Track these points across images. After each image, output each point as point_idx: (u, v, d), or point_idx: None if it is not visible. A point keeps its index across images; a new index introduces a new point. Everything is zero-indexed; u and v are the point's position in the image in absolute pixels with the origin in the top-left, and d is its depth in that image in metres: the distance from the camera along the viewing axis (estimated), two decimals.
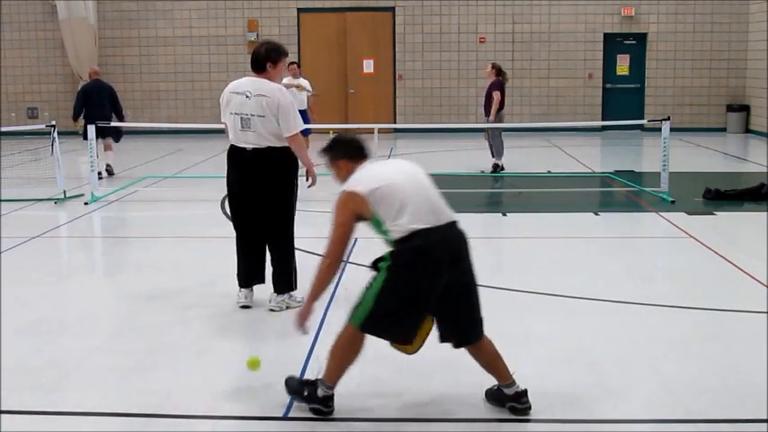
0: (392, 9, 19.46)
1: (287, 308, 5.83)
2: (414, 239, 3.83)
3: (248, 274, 5.97)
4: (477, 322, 4.08)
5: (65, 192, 10.61)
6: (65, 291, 6.74)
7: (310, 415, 4.09)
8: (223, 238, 8.18)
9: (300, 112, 13.19)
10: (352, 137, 4.35)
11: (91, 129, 10.83)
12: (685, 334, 5.42)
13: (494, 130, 12.93)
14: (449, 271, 3.88)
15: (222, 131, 6.03)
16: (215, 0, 19.52)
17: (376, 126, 11.92)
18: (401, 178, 3.99)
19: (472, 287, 4.05)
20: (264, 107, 5.62)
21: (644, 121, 15.60)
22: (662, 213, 9.40)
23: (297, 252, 6.01)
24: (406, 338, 3.97)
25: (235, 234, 6.01)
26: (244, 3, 19.53)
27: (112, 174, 12.91)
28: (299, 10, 19.53)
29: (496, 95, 12.70)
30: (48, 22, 19.74)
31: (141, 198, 11.13)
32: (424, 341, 4.10)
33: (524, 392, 4.08)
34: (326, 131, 18.43)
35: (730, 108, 19.26)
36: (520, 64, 19.30)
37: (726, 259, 7.25)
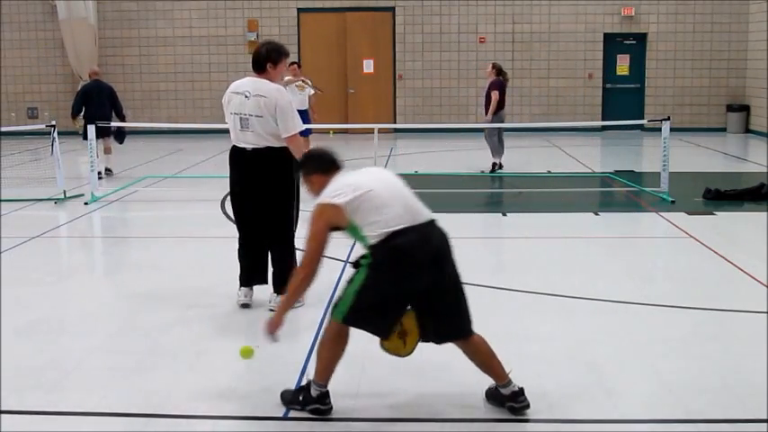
0: (392, 9, 19.46)
1: None
2: (392, 239, 3.86)
3: (249, 274, 5.98)
4: (463, 320, 4.08)
5: (65, 192, 10.62)
6: (65, 291, 6.74)
7: (309, 415, 4.09)
8: (223, 238, 8.19)
9: (301, 111, 13.33)
10: (324, 150, 4.38)
11: (91, 129, 10.83)
12: (685, 334, 5.42)
13: (490, 129, 12.94)
14: (430, 269, 3.90)
15: (225, 131, 6.03)
16: (215, 0, 19.52)
17: (376, 126, 11.92)
18: (376, 185, 4.00)
19: (457, 285, 4.05)
20: (262, 107, 5.63)
21: (644, 121, 15.60)
22: (662, 213, 9.40)
23: (298, 252, 6.01)
24: (385, 332, 4.00)
25: (237, 234, 6.03)
26: (244, 3, 19.53)
27: (111, 173, 12.93)
28: (299, 10, 19.53)
29: (494, 95, 12.71)
30: (48, 22, 19.74)
31: (141, 198, 11.13)
32: (416, 343, 4.13)
33: (521, 391, 4.08)
34: (327, 131, 18.48)
35: (730, 108, 19.26)
36: (520, 64, 19.30)
37: (726, 259, 7.26)
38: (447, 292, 4.00)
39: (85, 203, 10.36)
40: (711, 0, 19.13)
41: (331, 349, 4.03)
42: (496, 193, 11.96)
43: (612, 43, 19.51)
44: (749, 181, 10.90)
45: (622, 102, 19.56)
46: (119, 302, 6.30)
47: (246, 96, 5.69)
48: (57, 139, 10.89)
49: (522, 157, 14.53)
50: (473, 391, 4.28)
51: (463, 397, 4.27)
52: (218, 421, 4.16)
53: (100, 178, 11.72)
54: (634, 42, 19.56)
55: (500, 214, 9.87)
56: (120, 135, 13.05)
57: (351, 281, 3.97)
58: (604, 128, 19.51)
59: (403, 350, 4.13)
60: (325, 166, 4.21)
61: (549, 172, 13.02)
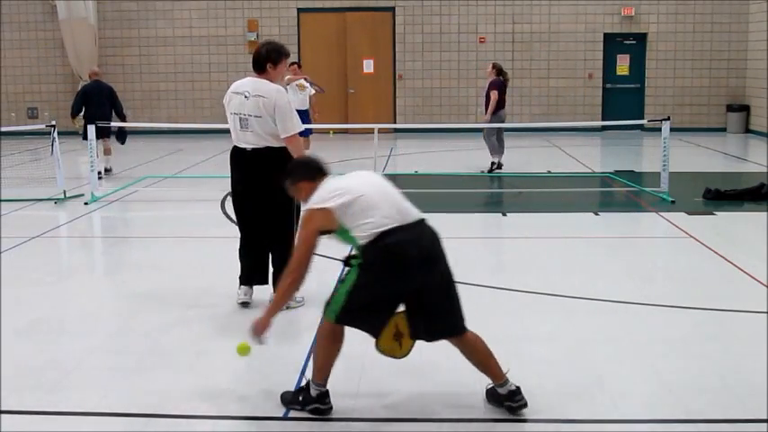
0: (392, 9, 19.46)
1: (287, 308, 5.82)
2: (382, 239, 3.87)
3: (249, 274, 5.99)
4: (455, 317, 4.08)
5: (65, 192, 10.62)
6: (65, 291, 6.74)
7: (309, 415, 4.10)
8: (223, 238, 8.19)
9: (302, 112, 13.35)
10: (310, 158, 4.40)
11: (91, 129, 10.83)
12: (685, 334, 5.42)
13: (489, 129, 12.95)
14: (421, 268, 3.90)
15: (225, 131, 6.04)
16: (215, 0, 19.52)
17: (376, 126, 11.91)
18: (365, 188, 4.01)
19: (449, 283, 4.06)
20: (261, 108, 5.63)
21: (644, 121, 15.59)
22: (662, 213, 9.40)
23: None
24: (378, 331, 4.01)
25: (239, 233, 6.04)
26: (244, 3, 19.53)
27: (111, 171, 12.95)
28: (299, 10, 19.53)
29: (493, 95, 12.72)
30: (48, 22, 19.74)
31: (141, 198, 11.13)
32: (412, 346, 4.14)
33: (517, 390, 4.07)
34: (327, 131, 18.49)
35: (730, 108, 19.26)
36: (520, 64, 19.30)
37: (726, 259, 7.26)
38: (439, 289, 4.01)
39: (85, 203, 10.36)
40: (711, 0, 19.14)
41: (326, 348, 4.04)
42: (496, 193, 11.96)
43: (612, 43, 19.51)
44: (749, 181, 10.90)
45: (622, 102, 19.56)
46: (119, 302, 6.30)
47: (246, 96, 5.70)
48: (57, 139, 10.89)
49: (522, 157, 14.53)
50: (472, 391, 4.28)
51: (463, 397, 4.27)
52: (218, 421, 4.16)
53: (100, 178, 11.73)
54: (634, 42, 19.57)
55: (500, 214, 9.87)
56: (122, 135, 13.06)
57: (342, 280, 3.99)
58: (604, 128, 19.52)
59: (399, 352, 4.14)
60: (311, 173, 4.23)
61: (549, 172, 13.02)
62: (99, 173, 11.59)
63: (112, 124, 12.62)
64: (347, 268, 4.01)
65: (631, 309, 5.91)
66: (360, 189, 3.99)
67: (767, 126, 17.95)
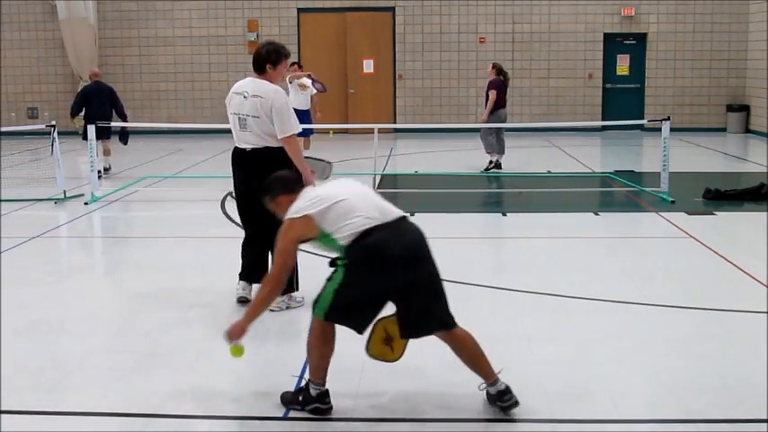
0: (392, 9, 19.46)
1: (287, 308, 5.85)
2: (364, 238, 3.90)
3: (249, 272, 6.00)
4: (442, 313, 4.09)
5: (65, 192, 10.62)
6: (65, 291, 6.74)
7: (309, 415, 4.10)
8: (223, 238, 8.20)
9: (304, 111, 13.35)
10: (285, 173, 4.46)
11: (91, 129, 10.83)
12: (685, 334, 5.42)
13: (486, 128, 12.97)
14: (406, 264, 3.92)
15: (225, 131, 6.05)
16: (215, 0, 19.52)
17: (376, 126, 11.90)
18: (343, 193, 4.05)
19: (435, 279, 4.06)
20: (259, 108, 5.65)
21: (644, 121, 15.59)
22: (662, 213, 9.40)
23: (298, 253, 6.00)
24: (363, 329, 4.04)
25: (243, 232, 6.08)
26: (244, 3, 19.53)
27: (110, 170, 12.96)
28: (299, 10, 19.53)
29: (492, 94, 12.76)
30: (48, 22, 19.74)
31: (141, 198, 11.13)
32: (404, 349, 4.16)
33: (506, 390, 4.07)
34: (327, 131, 18.49)
35: (730, 108, 19.26)
36: (520, 64, 19.30)
37: (726, 259, 7.26)
38: (425, 286, 4.02)
39: (85, 203, 10.36)
40: (711, 0, 19.14)
41: (318, 347, 4.06)
42: (496, 193, 11.96)
43: (612, 43, 19.51)
44: (749, 181, 10.90)
45: (622, 102, 19.56)
46: (119, 302, 6.30)
47: (245, 97, 5.72)
48: (57, 139, 10.90)
49: (522, 157, 14.53)
50: (472, 391, 4.28)
51: (464, 398, 4.26)
52: (218, 421, 4.16)
53: (100, 177, 11.73)
54: (634, 42, 19.56)
55: (500, 214, 9.87)
56: (124, 136, 13.06)
57: (330, 279, 4.00)
58: (604, 128, 19.52)
59: (391, 355, 4.16)
60: (289, 186, 4.27)
61: (549, 172, 13.02)
62: (99, 172, 11.60)
63: (113, 124, 12.63)
64: (332, 268, 4.03)
65: (631, 309, 5.91)
66: (338, 194, 4.03)
67: (767, 126, 17.95)
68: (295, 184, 4.28)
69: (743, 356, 4.96)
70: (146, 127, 17.29)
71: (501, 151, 13.16)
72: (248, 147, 5.77)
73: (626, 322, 5.66)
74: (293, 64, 13.95)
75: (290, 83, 13.28)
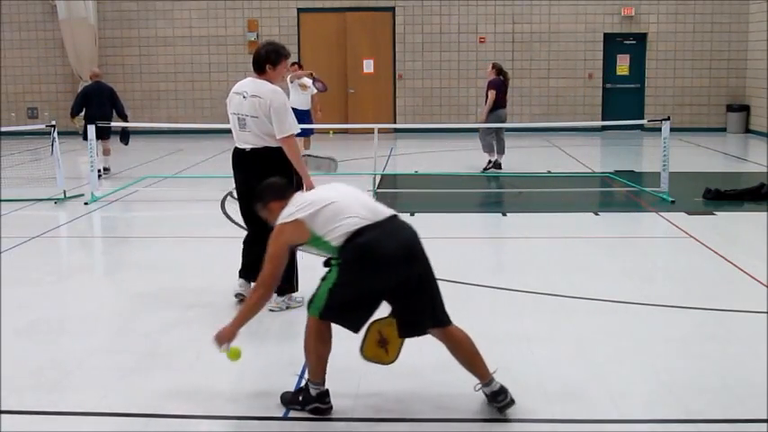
0: (392, 9, 19.46)
1: (287, 308, 5.85)
2: (355, 238, 3.92)
3: (248, 270, 6.00)
4: (439, 310, 4.10)
5: (65, 192, 10.62)
6: (65, 291, 6.74)
7: (309, 415, 4.10)
8: (223, 238, 8.20)
9: (304, 111, 13.35)
10: (274, 180, 4.46)
11: (91, 129, 10.84)
12: (685, 334, 5.42)
13: (484, 129, 13.00)
14: (402, 263, 3.93)
15: (224, 131, 6.06)
16: (215, 0, 19.52)
17: (376, 126, 11.90)
18: (332, 195, 4.09)
19: (429, 276, 4.07)
20: (257, 108, 5.65)
21: (644, 121, 15.59)
22: (662, 213, 9.40)
23: (298, 254, 6.01)
24: (358, 327, 4.05)
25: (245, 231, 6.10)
26: (244, 3, 19.53)
27: (109, 171, 12.97)
28: (299, 10, 19.53)
29: (491, 94, 12.79)
30: (48, 22, 19.74)
31: (141, 198, 11.13)
32: (399, 351, 4.17)
33: (500, 390, 4.07)
34: (327, 131, 18.49)
35: (730, 108, 19.26)
36: (520, 64, 19.30)
37: (726, 259, 7.26)
38: (420, 283, 4.03)
39: (85, 203, 10.36)
40: (711, 0, 19.14)
41: (315, 346, 4.06)
42: (496, 193, 11.96)
43: (612, 43, 19.51)
44: (749, 181, 10.90)
45: (622, 102, 19.56)
46: (119, 302, 6.30)
47: (244, 97, 5.73)
48: (57, 139, 10.89)
49: (522, 157, 14.53)
50: (472, 392, 4.27)
51: (464, 398, 4.26)
52: (218, 421, 4.16)
53: (100, 176, 11.73)
54: (634, 42, 19.56)
55: (500, 214, 9.87)
56: (125, 136, 13.06)
57: (324, 278, 4.02)
58: (604, 128, 19.51)
59: (386, 358, 4.17)
60: (280, 192, 4.28)
61: (549, 172, 13.02)
62: (99, 171, 11.60)
63: (114, 125, 12.63)
64: (327, 268, 4.05)
65: (631, 309, 5.91)
66: (328, 197, 4.06)
67: (767, 126, 17.95)
68: (285, 190, 4.30)
69: (743, 356, 4.96)
70: (146, 127, 17.29)
71: (501, 151, 13.17)
72: (248, 147, 5.77)
73: (626, 322, 5.66)
74: (294, 64, 13.94)
75: (291, 82, 13.29)
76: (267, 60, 5.74)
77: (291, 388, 4.30)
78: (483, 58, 18.73)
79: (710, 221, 9.06)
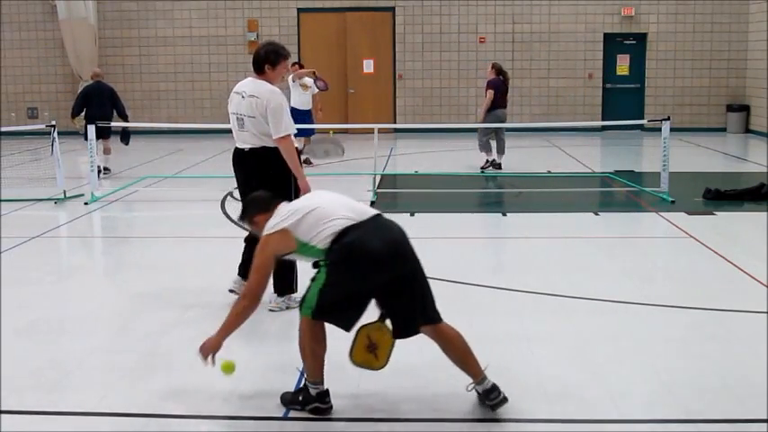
0: (392, 9, 19.46)
1: (286, 308, 5.85)
2: (341, 239, 3.95)
3: (246, 268, 5.98)
4: (430, 307, 4.11)
5: (65, 192, 10.62)
6: (65, 291, 6.75)
7: (309, 415, 4.10)
8: (223, 238, 8.19)
9: (305, 111, 13.35)
10: (257, 193, 4.53)
11: (91, 129, 10.84)
12: (685, 334, 5.42)
13: (482, 129, 13.03)
14: (391, 260, 3.95)
15: (224, 131, 6.06)
16: (215, 0, 19.52)
17: (376, 126, 11.89)
18: (314, 202, 4.15)
19: (420, 275, 4.09)
20: (254, 108, 5.66)
21: (644, 121, 15.58)
22: (662, 213, 9.40)
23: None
24: (350, 326, 4.07)
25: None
26: (244, 3, 19.53)
27: (109, 171, 12.97)
28: (299, 10, 19.53)
29: (489, 94, 12.82)
30: (48, 22, 19.74)
31: (141, 198, 11.13)
32: (389, 356, 4.18)
33: (493, 388, 4.08)
34: (327, 131, 18.47)
35: (730, 108, 19.26)
36: (520, 64, 19.30)
37: (726, 259, 7.26)
38: (411, 280, 4.04)
39: (85, 203, 10.36)
40: (711, 0, 19.14)
41: (310, 346, 4.07)
42: (496, 193, 11.96)
43: (612, 43, 19.51)
44: (749, 181, 10.90)
45: (622, 102, 19.56)
46: (119, 302, 6.30)
47: (243, 97, 5.75)
48: (57, 139, 10.90)
49: (522, 157, 14.53)
50: (473, 392, 4.28)
51: (464, 397, 4.26)
52: (218, 421, 4.16)
53: (99, 172, 11.72)
54: (634, 42, 19.56)
55: (500, 214, 9.86)
56: (126, 136, 13.06)
57: (313, 279, 4.04)
58: (604, 128, 19.51)
59: (376, 363, 4.18)
60: (263, 205, 4.33)
61: (549, 172, 13.02)
62: (99, 167, 11.58)
63: (114, 125, 12.64)
64: (316, 269, 4.06)
65: (631, 309, 5.91)
66: (310, 204, 4.12)
67: (767, 126, 17.95)
68: (269, 202, 4.32)
69: (743, 356, 4.97)
70: (146, 127, 17.29)
71: (501, 151, 13.18)
72: (246, 147, 5.78)
73: (626, 322, 5.66)
74: (294, 64, 13.95)
75: (293, 82, 13.29)
76: (266, 61, 5.75)
77: (291, 388, 4.31)
78: (483, 58, 18.73)
79: (710, 221, 9.06)
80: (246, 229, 6.05)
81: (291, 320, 5.60)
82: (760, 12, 18.36)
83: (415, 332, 4.13)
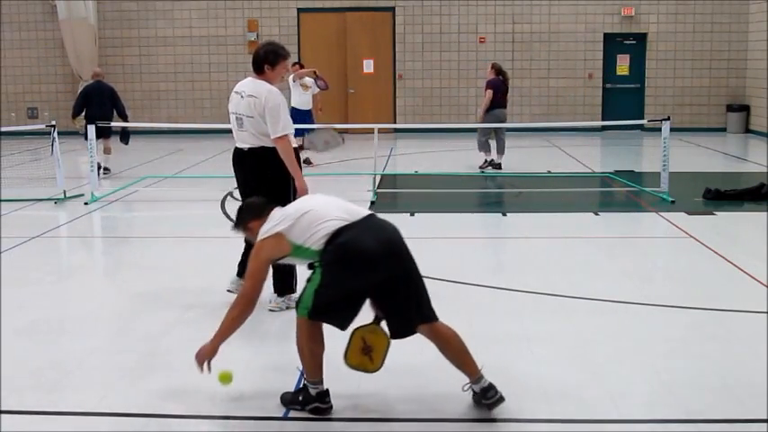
0: (392, 9, 19.46)
1: (287, 308, 5.84)
2: (334, 239, 3.97)
3: (243, 268, 5.99)
4: (426, 306, 4.12)
5: (65, 192, 10.62)
6: (65, 291, 6.75)
7: (309, 415, 4.10)
8: (223, 238, 8.18)
9: (306, 111, 13.35)
10: (251, 200, 4.58)
11: (91, 129, 10.84)
12: (685, 334, 5.42)
13: (481, 129, 13.04)
14: (385, 259, 3.96)
15: (224, 131, 6.07)
16: (215, 0, 19.52)
17: (376, 126, 11.90)
18: (307, 205, 4.18)
19: (415, 273, 4.10)
20: (252, 108, 5.67)
21: (644, 121, 15.59)
22: (662, 213, 9.40)
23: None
24: (346, 326, 4.08)
25: None
26: (244, 3, 19.53)
27: (109, 171, 12.98)
28: (299, 10, 19.53)
29: (487, 94, 12.85)
30: (48, 22, 19.73)
31: (141, 198, 11.13)
32: (384, 359, 4.19)
33: (489, 387, 4.08)
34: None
35: (730, 108, 19.26)
36: (520, 64, 19.30)
37: (726, 259, 7.26)
38: (406, 279, 4.05)
39: (85, 203, 10.36)
40: (711, 0, 19.13)
41: (308, 346, 4.08)
42: (496, 193, 11.96)
43: (612, 43, 19.51)
44: (749, 181, 10.90)
45: (622, 102, 19.55)
46: (119, 302, 6.30)
47: (242, 96, 5.77)
48: (57, 139, 10.90)
49: (522, 157, 14.53)
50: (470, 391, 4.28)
51: (463, 397, 4.26)
52: (218, 421, 4.16)
53: (99, 169, 11.71)
54: (634, 42, 19.56)
55: (500, 214, 9.86)
56: (125, 136, 13.06)
57: (309, 280, 4.05)
58: (604, 128, 19.51)
59: (370, 366, 4.19)
60: (257, 211, 4.35)
61: (549, 172, 13.02)
62: (99, 164, 11.57)
63: (114, 124, 12.63)
64: (311, 270, 4.08)
65: (631, 309, 5.91)
66: (303, 207, 4.15)
67: (767, 126, 17.95)
68: (263, 208, 4.34)
69: (743, 356, 4.97)
70: (146, 127, 17.29)
71: (501, 151, 13.19)
72: (245, 146, 5.79)
73: (626, 322, 5.66)
74: (295, 64, 13.95)
75: (293, 82, 13.29)
76: (265, 61, 5.75)
77: (291, 388, 4.31)
78: (483, 58, 18.72)
79: (710, 221, 9.06)
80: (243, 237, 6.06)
81: (291, 320, 5.57)
82: (760, 12, 18.36)
83: (412, 332, 4.14)
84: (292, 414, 4.14)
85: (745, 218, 9.60)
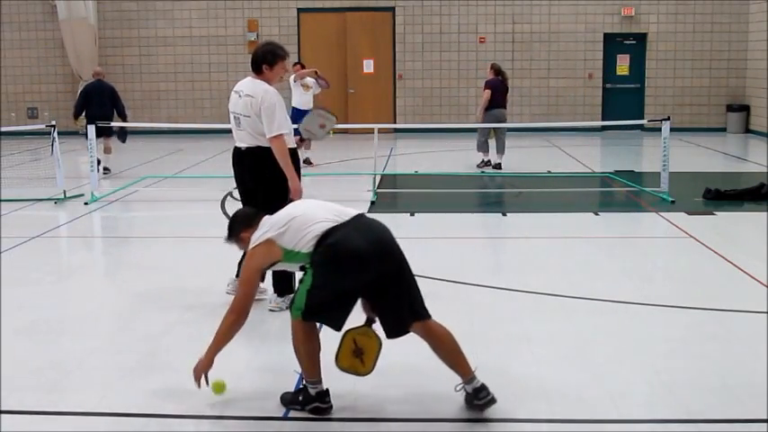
0: (392, 9, 19.46)
1: (286, 308, 5.83)
2: (324, 241, 3.99)
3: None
4: (419, 303, 4.12)
5: (65, 192, 10.62)
6: (65, 291, 6.75)
7: (309, 415, 4.10)
8: (223, 239, 8.18)
9: (306, 111, 13.31)
10: (240, 210, 4.60)
11: (91, 129, 10.84)
12: (685, 334, 5.42)
13: (480, 129, 13.06)
14: (377, 258, 3.97)
15: (224, 131, 6.08)
16: (215, 0, 19.52)
17: (376, 126, 11.89)
18: (295, 211, 4.20)
19: (407, 271, 4.11)
20: (249, 107, 5.68)
21: (644, 121, 15.61)
22: (662, 213, 9.40)
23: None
24: (340, 325, 4.09)
25: None
26: (244, 3, 19.53)
27: (108, 171, 12.97)
28: (299, 10, 19.53)
29: (486, 93, 12.86)
30: (48, 22, 19.73)
31: (141, 198, 11.13)
32: (375, 361, 4.19)
33: (482, 387, 4.07)
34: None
35: (730, 108, 19.26)
36: (520, 64, 19.30)
37: (726, 259, 7.25)
38: (398, 277, 4.06)
39: (85, 203, 10.36)
40: (711, 0, 19.14)
41: (304, 346, 4.09)
42: (496, 193, 11.96)
43: (612, 43, 19.51)
44: (749, 181, 10.90)
45: (622, 102, 19.55)
46: (119, 303, 6.30)
47: (240, 96, 5.79)
48: (57, 139, 10.90)
49: (522, 157, 14.53)
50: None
51: (460, 397, 4.26)
52: (218, 421, 4.16)
53: (99, 164, 11.69)
54: (634, 42, 19.56)
55: (500, 214, 9.86)
56: (123, 134, 13.07)
57: (301, 281, 4.07)
58: (604, 128, 19.51)
59: (362, 368, 4.20)
60: (247, 221, 4.38)
61: (549, 172, 13.02)
62: (98, 160, 11.56)
63: (113, 124, 12.63)
64: (303, 272, 4.10)
65: (631, 309, 5.91)
66: (292, 213, 4.17)
67: (767, 126, 17.95)
68: (252, 218, 4.36)
69: (743, 356, 4.96)
70: (146, 127, 17.30)
71: (501, 151, 13.19)
72: (243, 146, 5.82)
73: (626, 322, 5.66)
74: (296, 64, 13.94)
75: (294, 82, 13.29)
76: (264, 61, 5.76)
77: (291, 388, 4.31)
78: (483, 58, 18.72)
79: (710, 221, 9.06)
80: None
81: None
82: (760, 12, 18.36)
83: (405, 331, 4.14)
84: (292, 414, 4.14)
85: (745, 218, 9.60)
